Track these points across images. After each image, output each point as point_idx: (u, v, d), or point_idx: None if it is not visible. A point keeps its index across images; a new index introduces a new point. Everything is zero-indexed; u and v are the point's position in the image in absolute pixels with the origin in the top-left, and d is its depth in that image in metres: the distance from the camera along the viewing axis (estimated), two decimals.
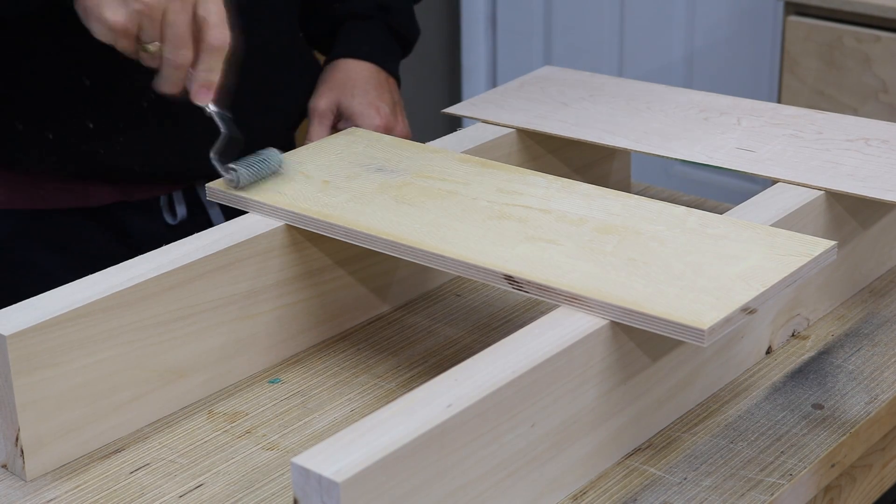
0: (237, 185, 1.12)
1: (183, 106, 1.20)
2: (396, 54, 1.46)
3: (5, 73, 1.24)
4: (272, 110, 1.39)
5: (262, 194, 1.12)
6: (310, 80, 1.42)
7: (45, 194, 1.29)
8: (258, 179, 1.14)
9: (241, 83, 1.26)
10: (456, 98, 3.14)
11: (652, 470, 0.97)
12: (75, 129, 1.26)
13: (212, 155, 1.12)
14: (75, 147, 1.26)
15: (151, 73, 1.16)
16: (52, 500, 0.96)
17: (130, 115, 1.27)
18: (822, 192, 1.12)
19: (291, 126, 1.45)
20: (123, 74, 1.24)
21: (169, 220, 1.34)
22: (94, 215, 1.31)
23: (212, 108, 1.10)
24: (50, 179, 1.29)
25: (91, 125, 1.26)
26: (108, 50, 1.17)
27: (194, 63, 1.08)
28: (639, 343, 0.97)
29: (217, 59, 1.08)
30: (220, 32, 1.06)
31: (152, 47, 1.08)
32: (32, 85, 1.24)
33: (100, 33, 1.07)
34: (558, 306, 0.96)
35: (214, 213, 1.35)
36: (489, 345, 0.91)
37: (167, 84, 1.09)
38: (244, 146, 1.15)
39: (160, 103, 1.26)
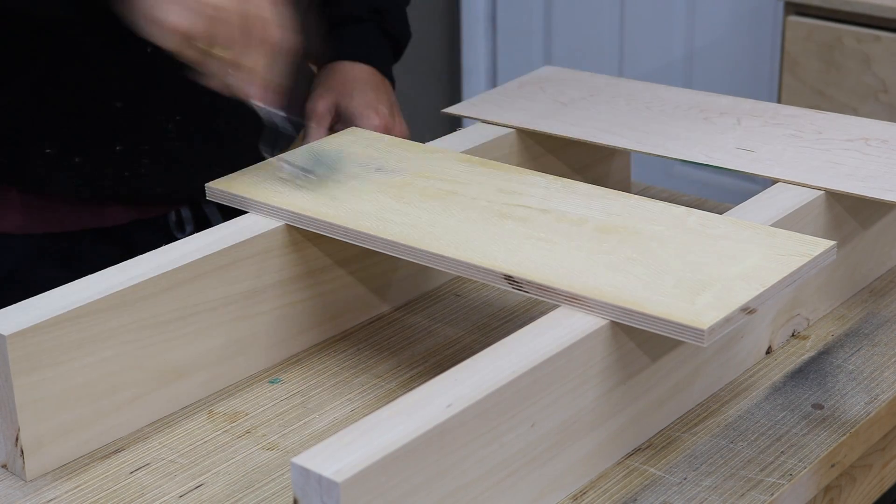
0: (290, 175, 1.15)
1: (202, 124, 1.24)
2: (390, 57, 1.47)
3: (38, 98, 1.24)
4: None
5: (262, 194, 1.12)
6: (305, 86, 1.43)
7: (61, 217, 1.30)
8: (309, 171, 1.16)
9: (236, 120, 1.28)
10: (456, 98, 3.14)
11: (652, 470, 0.97)
12: (103, 153, 1.26)
13: (261, 147, 1.15)
14: (101, 170, 1.27)
15: (179, 92, 1.20)
16: (52, 500, 0.96)
17: (156, 136, 1.28)
18: (822, 192, 1.12)
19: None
20: (153, 96, 1.26)
21: (178, 235, 1.34)
22: (104, 234, 1.32)
23: (266, 106, 1.11)
24: (67, 202, 1.29)
25: (119, 148, 1.26)
26: (140, 70, 1.20)
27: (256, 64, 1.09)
28: (639, 343, 0.97)
29: (279, 59, 1.09)
30: (283, 32, 1.08)
31: (220, 52, 1.07)
32: (65, 109, 1.25)
33: (164, 39, 1.07)
34: (558, 306, 0.96)
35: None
36: (489, 345, 0.91)
37: (241, 88, 1.09)
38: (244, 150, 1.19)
39: (183, 124, 1.28)
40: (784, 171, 1.16)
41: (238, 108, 1.18)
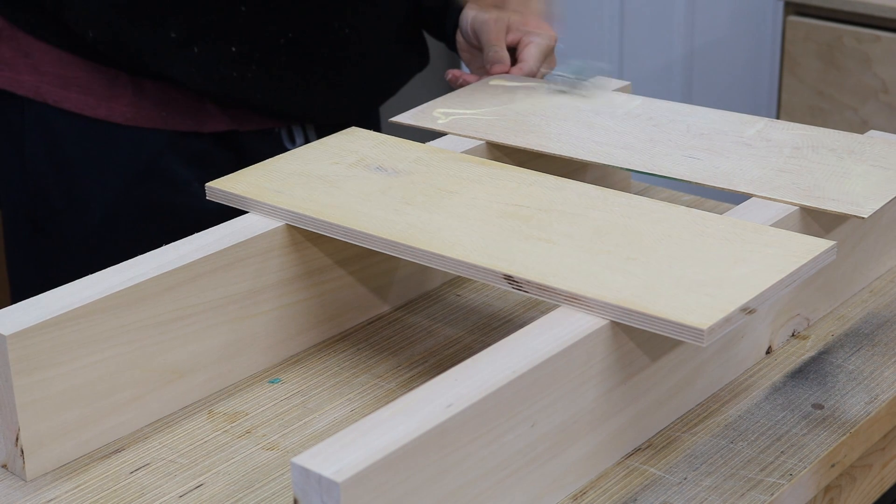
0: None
1: (311, 48, 1.38)
2: None
3: None
4: (390, 68, 1.49)
5: (263, 194, 1.12)
6: (413, 60, 1.53)
7: (167, 115, 1.38)
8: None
9: (370, 42, 1.42)
10: None
11: (652, 470, 0.97)
12: (220, 49, 1.35)
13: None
14: (215, 65, 1.35)
15: (296, 13, 1.35)
16: (52, 500, 0.96)
17: (268, 47, 1.36)
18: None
19: (380, 101, 1.53)
20: (273, 8, 1.35)
21: (288, 145, 1.45)
22: (221, 138, 1.41)
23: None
24: (178, 97, 1.37)
25: (234, 49, 1.35)
26: None
27: None
28: (639, 343, 0.97)
29: None
30: None
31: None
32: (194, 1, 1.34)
33: None
34: (558, 306, 0.96)
35: None
36: (489, 345, 0.91)
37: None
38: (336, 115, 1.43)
39: (294, 42, 1.37)
40: (756, 188, 1.15)
41: (349, 45, 1.39)
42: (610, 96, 1.34)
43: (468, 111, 1.32)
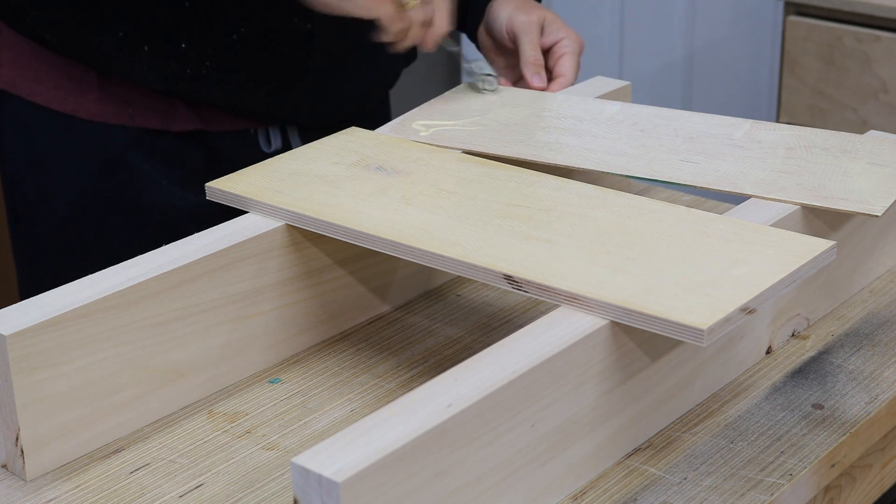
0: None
1: (266, 45, 1.34)
2: None
3: None
4: (369, 69, 1.46)
5: (263, 194, 1.12)
6: (399, 58, 1.48)
7: (134, 112, 1.37)
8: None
9: (340, 42, 1.39)
10: None
11: (652, 470, 0.98)
12: (169, 47, 1.33)
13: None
14: (166, 63, 1.34)
15: (246, 9, 1.31)
16: (52, 500, 0.96)
17: (220, 44, 1.34)
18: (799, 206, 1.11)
19: (387, 86, 1.52)
20: (217, 5, 1.33)
21: (264, 147, 1.42)
22: (187, 138, 1.39)
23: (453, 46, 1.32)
24: (141, 95, 1.36)
25: (184, 46, 1.33)
26: None
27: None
28: (639, 343, 0.97)
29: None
30: None
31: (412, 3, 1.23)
32: None
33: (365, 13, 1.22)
34: (558, 306, 0.96)
35: None
36: (489, 345, 0.91)
37: (410, 41, 1.25)
38: (346, 105, 1.43)
39: (247, 39, 1.34)
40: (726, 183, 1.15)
41: (315, 43, 1.35)
42: (588, 102, 1.33)
43: (448, 122, 1.29)
